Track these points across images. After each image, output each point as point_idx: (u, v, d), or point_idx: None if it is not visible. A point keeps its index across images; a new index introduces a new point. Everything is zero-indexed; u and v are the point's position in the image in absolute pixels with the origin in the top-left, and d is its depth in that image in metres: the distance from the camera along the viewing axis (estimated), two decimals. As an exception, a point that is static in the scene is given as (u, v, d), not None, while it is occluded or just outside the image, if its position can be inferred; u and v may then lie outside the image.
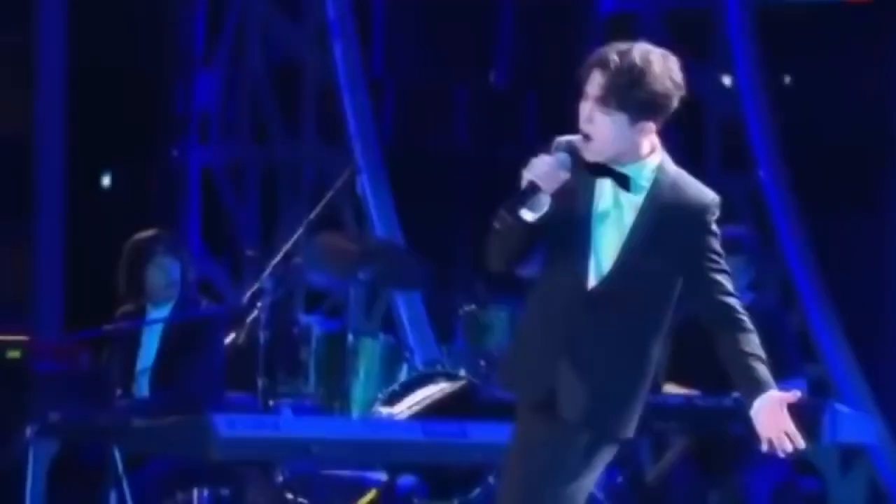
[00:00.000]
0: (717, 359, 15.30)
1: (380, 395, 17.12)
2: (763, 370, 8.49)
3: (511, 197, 8.50)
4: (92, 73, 23.06)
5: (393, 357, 17.88)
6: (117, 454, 13.42)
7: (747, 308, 15.66)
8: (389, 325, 20.86)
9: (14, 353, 14.80)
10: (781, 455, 8.63)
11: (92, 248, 22.19)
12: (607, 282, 8.47)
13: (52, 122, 23.30)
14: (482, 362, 17.81)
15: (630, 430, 8.77)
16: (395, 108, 24.75)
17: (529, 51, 26.08)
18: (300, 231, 17.89)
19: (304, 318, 19.00)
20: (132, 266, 15.61)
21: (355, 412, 17.24)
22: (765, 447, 8.53)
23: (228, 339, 16.94)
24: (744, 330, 8.62)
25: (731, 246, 17.08)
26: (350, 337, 17.52)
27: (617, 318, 8.63)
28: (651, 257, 8.54)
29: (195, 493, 14.60)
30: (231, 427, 13.37)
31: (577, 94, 14.34)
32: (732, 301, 8.66)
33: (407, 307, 21.23)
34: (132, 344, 14.90)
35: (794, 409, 8.77)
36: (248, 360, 16.69)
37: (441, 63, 25.53)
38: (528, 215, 8.50)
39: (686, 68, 18.49)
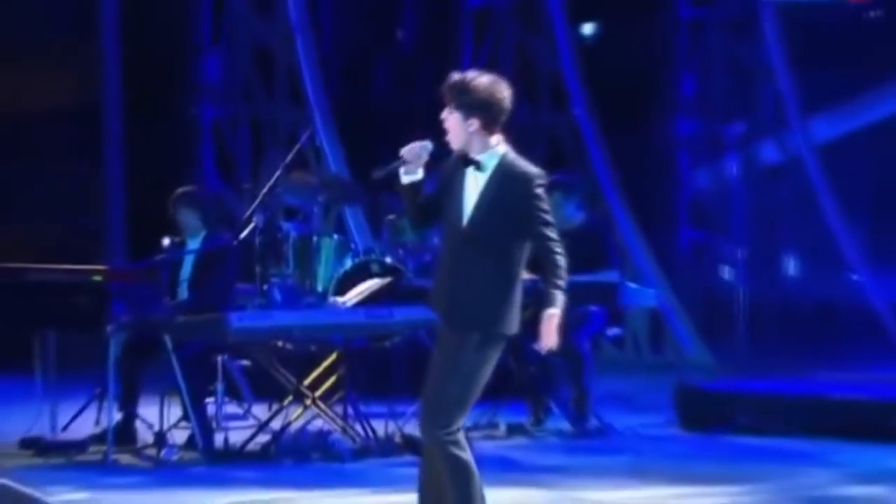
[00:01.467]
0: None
1: (333, 280, 17.18)
2: (554, 293, 9.14)
3: (388, 165, 9.43)
4: (136, 54, 22.59)
5: (343, 249, 17.82)
6: (168, 339, 13.77)
7: (580, 224, 16.76)
8: (341, 228, 20.90)
9: (97, 277, 14.50)
10: (544, 350, 9.42)
11: (144, 187, 22.46)
12: (469, 225, 9.11)
13: (112, 92, 22.98)
14: (400, 251, 18.25)
15: (508, 328, 9.22)
16: (338, 77, 24.50)
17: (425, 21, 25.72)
18: (279, 170, 17.31)
19: (284, 226, 18.08)
20: (172, 214, 15.70)
21: (320, 286, 16.99)
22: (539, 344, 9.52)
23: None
24: (554, 263, 9.09)
25: (565, 185, 17.33)
26: (314, 237, 17.56)
27: (482, 249, 9.20)
28: (495, 211, 9.13)
29: (218, 360, 15.03)
30: (240, 320, 13.67)
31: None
32: (550, 243, 9.10)
33: (352, 216, 21.94)
34: (175, 264, 15.10)
35: (564, 317, 9.59)
36: (249, 257, 16.22)
37: (366, 40, 25.37)
38: (404, 178, 9.38)
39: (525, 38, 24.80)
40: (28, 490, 10.15)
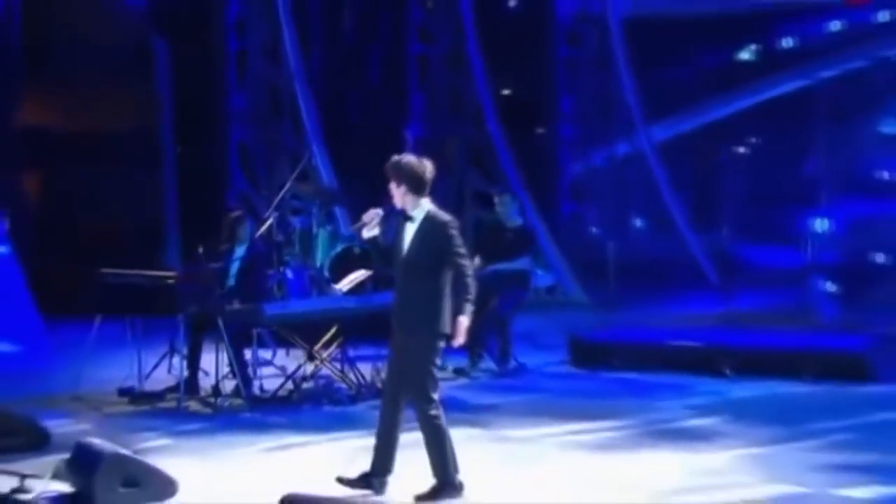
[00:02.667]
0: (493, 252, 16.26)
1: (328, 260, 17.51)
2: (464, 305, 9.67)
3: (356, 224, 9.95)
4: (182, 89, 22.26)
5: (334, 238, 18.31)
6: (220, 322, 13.84)
7: (518, 224, 16.48)
8: (332, 222, 19.87)
9: (169, 280, 14.54)
10: (456, 346, 10.08)
11: (191, 191, 22.37)
12: (407, 259, 9.61)
13: (166, 118, 22.67)
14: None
15: (442, 327, 9.67)
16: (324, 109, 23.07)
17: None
18: (289, 182, 17.56)
19: (293, 221, 19.22)
20: (230, 229, 15.62)
21: (318, 262, 17.41)
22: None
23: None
24: (465, 285, 9.64)
25: (512, 193, 18.25)
26: (314, 228, 17.84)
27: (416, 274, 9.68)
28: (423, 249, 9.60)
29: (255, 335, 14.76)
30: (271, 309, 13.98)
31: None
32: (463, 269, 9.65)
33: (340, 214, 20.87)
34: (226, 266, 14.87)
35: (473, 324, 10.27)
36: (269, 244, 16.51)
37: (343, 82, 24.00)
38: (365, 234, 9.78)
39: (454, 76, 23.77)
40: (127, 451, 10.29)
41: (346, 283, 14.67)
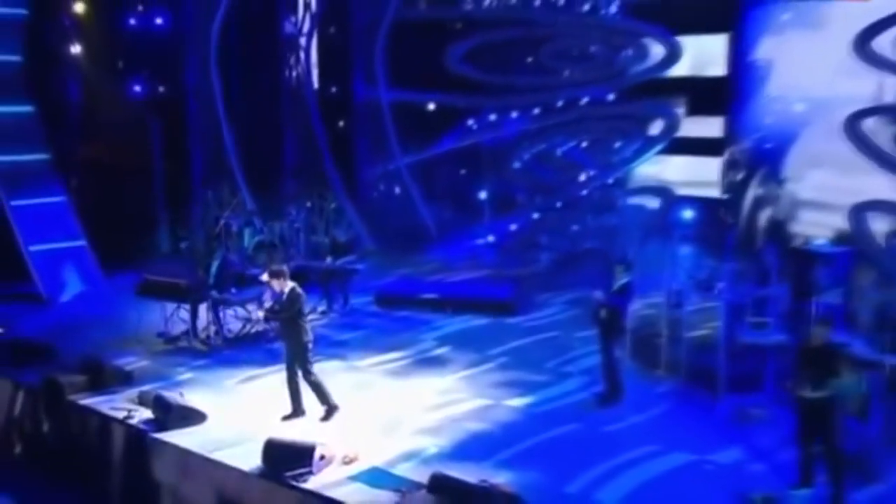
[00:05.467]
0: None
1: (250, 248, 16.55)
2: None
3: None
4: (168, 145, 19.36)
5: (253, 233, 17.44)
6: (210, 301, 14.00)
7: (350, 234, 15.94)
8: (251, 224, 18.01)
9: (182, 281, 14.27)
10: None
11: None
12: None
13: (157, 160, 19.25)
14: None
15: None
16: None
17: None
18: (228, 211, 17.50)
19: (231, 223, 17.54)
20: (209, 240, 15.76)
21: (246, 245, 16.72)
22: None
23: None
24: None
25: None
26: (244, 228, 17.46)
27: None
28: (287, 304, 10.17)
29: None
30: (234, 295, 13.99)
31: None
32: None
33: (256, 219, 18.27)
34: (206, 265, 14.45)
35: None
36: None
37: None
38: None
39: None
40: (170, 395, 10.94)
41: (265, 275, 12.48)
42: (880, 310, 9.75)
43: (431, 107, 19.15)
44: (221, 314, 13.89)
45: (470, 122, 19.06)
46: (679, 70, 16.86)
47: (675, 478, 9.18)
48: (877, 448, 8.89)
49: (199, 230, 17.00)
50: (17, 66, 15.80)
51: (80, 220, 16.40)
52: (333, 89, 20.43)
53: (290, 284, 10.70)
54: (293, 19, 19.78)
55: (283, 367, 10.95)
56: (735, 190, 16.21)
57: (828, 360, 8.00)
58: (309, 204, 18.43)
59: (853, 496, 8.30)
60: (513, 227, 18.76)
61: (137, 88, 18.48)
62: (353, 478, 9.19)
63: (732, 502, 8.42)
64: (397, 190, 20.21)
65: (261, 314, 11.98)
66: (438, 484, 8.56)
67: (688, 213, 15.74)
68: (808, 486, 8.37)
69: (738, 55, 16.15)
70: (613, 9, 17.89)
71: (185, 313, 14.04)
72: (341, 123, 20.41)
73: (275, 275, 10.67)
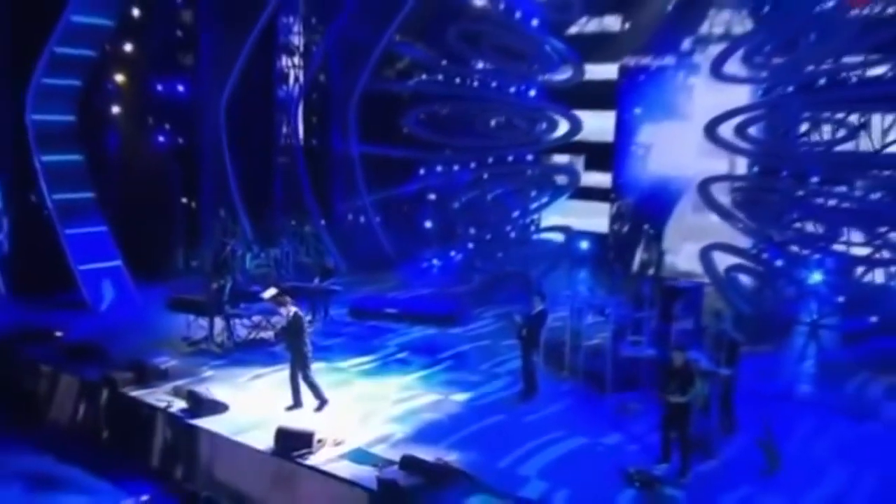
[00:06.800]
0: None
1: (251, 269, 16.40)
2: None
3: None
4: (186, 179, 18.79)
5: (254, 256, 17.10)
6: (224, 314, 13.70)
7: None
8: (251, 248, 17.48)
9: (201, 299, 13.85)
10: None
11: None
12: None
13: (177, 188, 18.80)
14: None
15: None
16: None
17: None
18: (233, 240, 16.91)
19: (235, 247, 16.96)
20: (225, 260, 15.21)
21: (247, 266, 16.37)
22: None
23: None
24: None
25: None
26: (245, 252, 16.93)
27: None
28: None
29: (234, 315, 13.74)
30: (245, 310, 13.66)
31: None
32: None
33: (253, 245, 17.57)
34: (224, 285, 13.76)
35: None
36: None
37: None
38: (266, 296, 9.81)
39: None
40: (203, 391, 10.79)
41: (268, 293, 12.41)
42: (716, 335, 10.12)
43: (391, 158, 19.15)
44: (231, 323, 13.75)
45: (421, 171, 19.37)
46: (580, 137, 18.11)
47: (575, 456, 9.58)
48: (714, 434, 9.57)
49: (207, 252, 16.75)
50: (71, 124, 15.92)
51: (116, 244, 16.26)
52: (314, 142, 20.52)
53: (293, 309, 10.92)
54: (285, 88, 19.99)
55: (282, 367, 11.13)
56: (619, 237, 17.71)
57: (685, 376, 8.76)
58: (294, 232, 18.48)
59: (696, 468, 9.05)
60: (453, 253, 18.91)
61: (161, 140, 18.45)
62: (342, 456, 9.41)
63: (615, 474, 8.94)
64: (362, 220, 20.11)
65: (273, 336, 12.22)
66: (407, 462, 8.98)
67: (584, 245, 17.10)
68: (667, 462, 9.11)
69: (622, 130, 17.88)
70: (533, 92, 18.86)
71: (202, 321, 13.75)
72: (320, 169, 20.46)
73: (280, 301, 10.97)
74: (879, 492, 8.62)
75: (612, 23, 17.61)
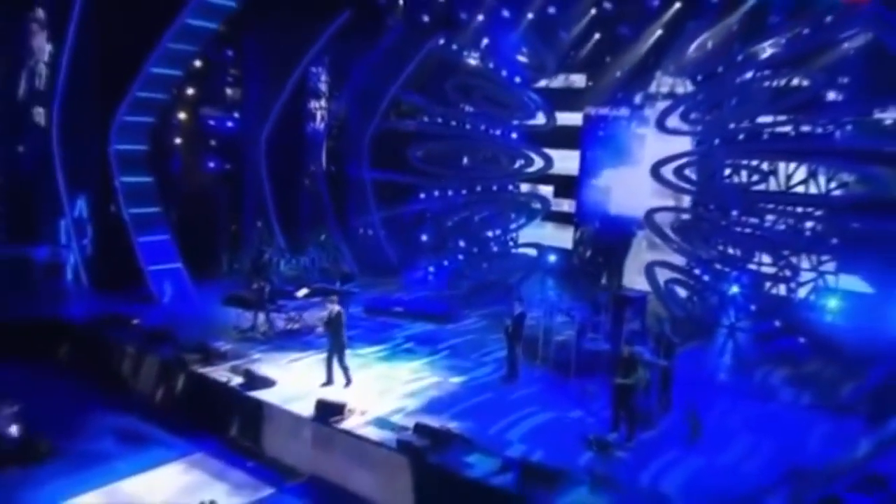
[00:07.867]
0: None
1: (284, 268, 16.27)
2: None
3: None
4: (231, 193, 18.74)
5: (286, 262, 17.19)
6: (265, 309, 13.60)
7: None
8: (284, 255, 17.52)
9: (247, 296, 13.88)
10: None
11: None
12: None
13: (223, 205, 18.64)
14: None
15: None
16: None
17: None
18: (270, 249, 17.06)
19: (267, 254, 16.93)
20: (264, 265, 15.11)
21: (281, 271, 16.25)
22: None
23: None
24: None
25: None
26: (280, 259, 17.10)
27: None
28: None
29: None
30: (278, 309, 13.46)
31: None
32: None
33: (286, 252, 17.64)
34: (264, 287, 13.72)
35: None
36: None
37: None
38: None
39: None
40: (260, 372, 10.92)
41: (301, 292, 14.05)
42: (657, 334, 10.52)
43: (397, 183, 18.93)
44: (271, 317, 13.79)
45: (421, 195, 19.16)
46: (551, 171, 18.08)
47: (547, 426, 10.08)
48: (654, 410, 10.16)
49: (246, 258, 16.82)
50: (144, 152, 16.20)
51: (177, 250, 16.23)
52: (334, 169, 20.49)
53: (336, 307, 11.32)
54: (312, 125, 20.07)
55: (314, 353, 11.57)
56: (581, 258, 18.47)
57: (631, 363, 9.47)
58: (317, 243, 18.26)
59: (640, 436, 9.59)
60: (446, 263, 18.70)
61: (213, 165, 18.50)
62: (367, 423, 9.85)
63: (578, 440, 9.50)
64: (371, 234, 20.02)
65: (320, 329, 12.04)
66: (420, 428, 9.51)
67: (552, 258, 17.76)
68: (617, 431, 9.69)
69: (585, 166, 18.50)
70: (514, 134, 18.76)
71: (248, 314, 13.76)
72: (339, 191, 20.43)
73: (329, 300, 11.51)
74: (776, 455, 9.28)
75: (578, 80, 18.29)
